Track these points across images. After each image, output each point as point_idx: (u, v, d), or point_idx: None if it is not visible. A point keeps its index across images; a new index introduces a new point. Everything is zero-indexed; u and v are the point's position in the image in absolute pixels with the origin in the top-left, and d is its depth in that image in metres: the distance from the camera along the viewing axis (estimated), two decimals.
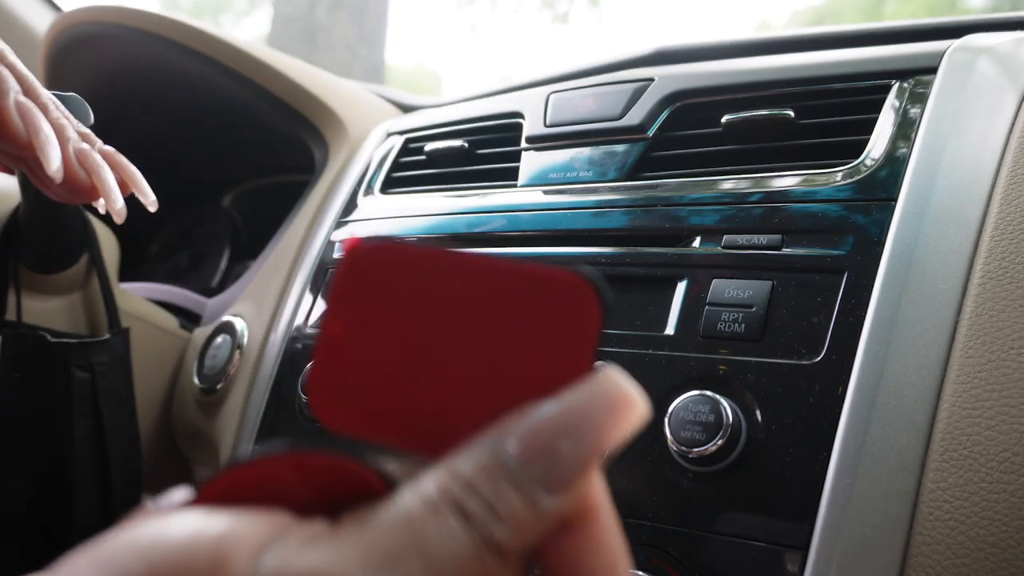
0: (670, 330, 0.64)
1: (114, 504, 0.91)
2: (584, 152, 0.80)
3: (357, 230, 0.92)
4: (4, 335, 0.85)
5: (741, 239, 0.65)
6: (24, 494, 0.85)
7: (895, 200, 0.61)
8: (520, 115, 0.88)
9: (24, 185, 0.81)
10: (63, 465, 0.87)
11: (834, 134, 0.70)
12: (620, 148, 0.78)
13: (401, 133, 1.02)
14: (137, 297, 1.04)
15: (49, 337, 0.86)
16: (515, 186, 0.83)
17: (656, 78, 0.80)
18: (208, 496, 0.24)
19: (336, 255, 0.91)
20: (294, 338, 0.87)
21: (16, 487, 0.85)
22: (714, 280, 0.64)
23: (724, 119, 0.74)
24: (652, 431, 0.61)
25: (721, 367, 0.60)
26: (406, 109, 1.23)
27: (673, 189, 0.72)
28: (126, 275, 1.08)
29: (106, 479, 0.90)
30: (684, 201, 0.70)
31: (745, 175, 0.70)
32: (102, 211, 0.64)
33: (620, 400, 0.24)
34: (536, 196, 0.80)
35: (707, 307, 0.63)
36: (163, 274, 1.51)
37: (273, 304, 0.94)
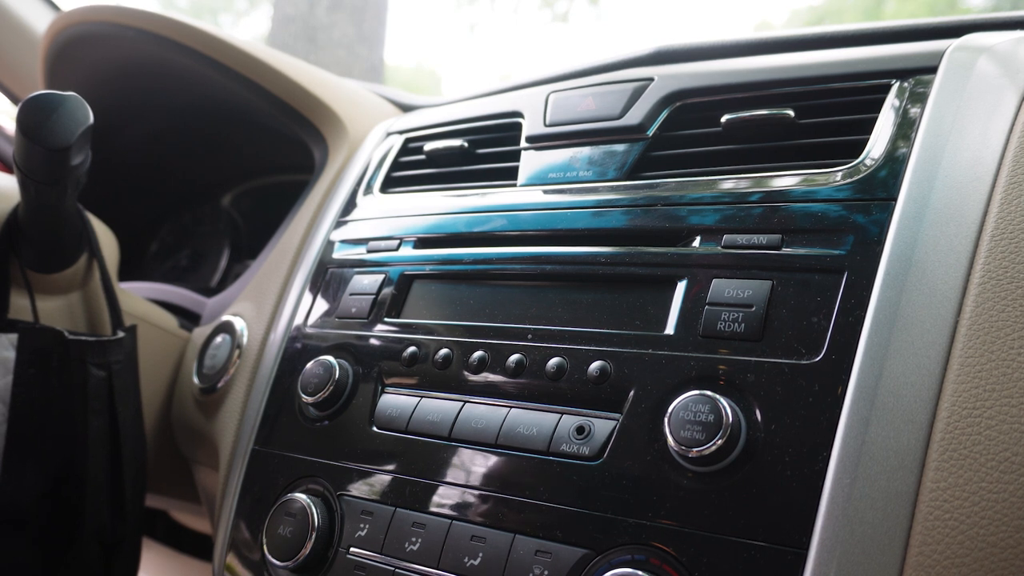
0: (670, 330, 0.64)
1: (124, 502, 0.91)
2: (584, 152, 0.80)
3: (356, 229, 0.92)
4: (20, 332, 0.84)
5: (741, 239, 0.65)
6: (37, 490, 0.85)
7: (895, 200, 0.61)
8: (520, 115, 0.88)
9: (24, 185, 0.81)
10: (76, 462, 0.87)
11: (834, 134, 0.70)
12: (620, 148, 0.78)
13: (401, 133, 1.02)
14: (137, 297, 1.04)
15: (67, 334, 0.86)
16: (515, 186, 0.83)
17: (656, 78, 0.80)
18: None
19: (336, 254, 0.91)
20: (294, 338, 0.87)
21: (30, 483, 0.84)
22: (714, 280, 0.64)
23: (724, 119, 0.74)
24: (652, 431, 0.61)
25: (721, 367, 0.60)
26: (406, 109, 1.23)
27: (673, 189, 0.72)
28: (126, 275, 1.08)
29: (117, 476, 0.90)
30: (684, 201, 0.70)
31: (745, 175, 0.70)
32: None
33: None
34: (536, 196, 0.80)
35: (707, 307, 0.63)
36: (163, 274, 1.51)
37: (273, 303, 0.94)
